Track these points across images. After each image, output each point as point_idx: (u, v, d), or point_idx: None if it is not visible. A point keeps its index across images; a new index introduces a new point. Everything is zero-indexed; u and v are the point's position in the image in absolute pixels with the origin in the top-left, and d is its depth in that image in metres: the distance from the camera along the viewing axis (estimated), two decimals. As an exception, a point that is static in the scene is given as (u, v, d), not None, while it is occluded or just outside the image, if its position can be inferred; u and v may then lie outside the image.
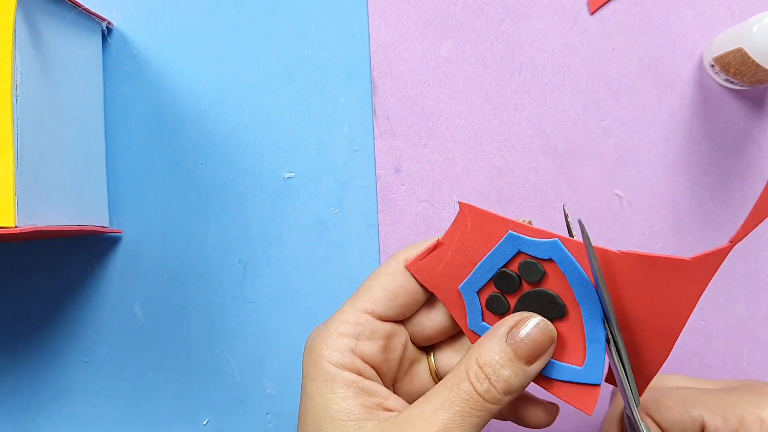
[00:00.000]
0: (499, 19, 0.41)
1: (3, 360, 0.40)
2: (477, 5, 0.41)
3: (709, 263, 0.25)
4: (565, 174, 0.41)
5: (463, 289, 0.30)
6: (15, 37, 0.29)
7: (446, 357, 0.31)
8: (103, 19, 0.39)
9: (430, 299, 0.31)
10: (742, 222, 0.41)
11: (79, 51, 0.36)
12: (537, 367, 0.27)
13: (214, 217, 0.40)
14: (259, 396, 0.40)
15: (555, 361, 0.29)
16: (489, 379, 0.26)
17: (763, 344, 0.41)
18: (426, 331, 0.30)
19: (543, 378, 0.29)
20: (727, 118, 0.41)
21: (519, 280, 0.29)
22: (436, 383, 0.31)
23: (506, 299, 0.29)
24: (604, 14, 0.41)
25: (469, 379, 0.26)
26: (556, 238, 0.28)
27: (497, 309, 0.29)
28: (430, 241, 0.30)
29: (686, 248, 0.41)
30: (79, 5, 0.36)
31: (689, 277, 0.26)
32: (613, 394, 0.35)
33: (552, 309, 0.28)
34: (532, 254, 0.28)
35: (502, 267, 0.29)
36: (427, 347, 0.32)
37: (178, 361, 0.40)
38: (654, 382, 0.33)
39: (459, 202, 0.29)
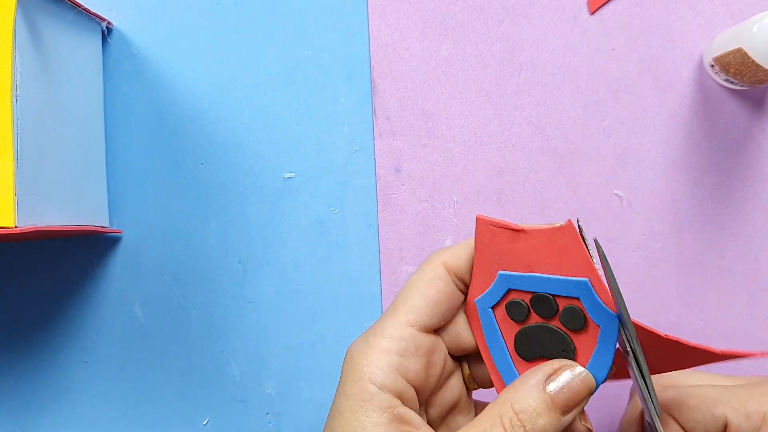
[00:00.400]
0: (499, 19, 0.41)
1: (3, 360, 0.40)
2: (477, 5, 0.41)
3: (730, 356, 0.25)
4: (565, 174, 0.41)
5: (479, 303, 0.29)
6: (15, 37, 0.29)
7: (483, 368, 0.30)
8: (103, 19, 0.39)
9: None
10: (741, 222, 0.42)
11: (79, 51, 0.36)
12: (571, 416, 0.26)
13: (214, 217, 0.40)
14: (259, 396, 0.40)
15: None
16: (524, 427, 0.25)
17: (763, 344, 0.41)
18: (464, 343, 0.29)
19: None
20: (727, 118, 0.41)
21: (528, 311, 0.28)
22: (469, 392, 0.31)
23: (529, 308, 0.28)
24: (604, 14, 0.41)
25: (503, 426, 0.25)
26: (586, 279, 0.26)
27: (517, 315, 0.28)
28: (464, 244, 0.29)
29: (686, 248, 0.41)
30: (79, 5, 0.36)
31: (710, 358, 0.25)
32: (631, 393, 0.35)
33: (560, 347, 0.27)
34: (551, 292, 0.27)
35: (532, 294, 0.27)
36: (460, 356, 0.31)
37: (178, 361, 0.40)
38: (674, 380, 0.33)
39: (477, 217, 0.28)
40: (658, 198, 0.41)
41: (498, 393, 0.29)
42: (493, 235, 0.27)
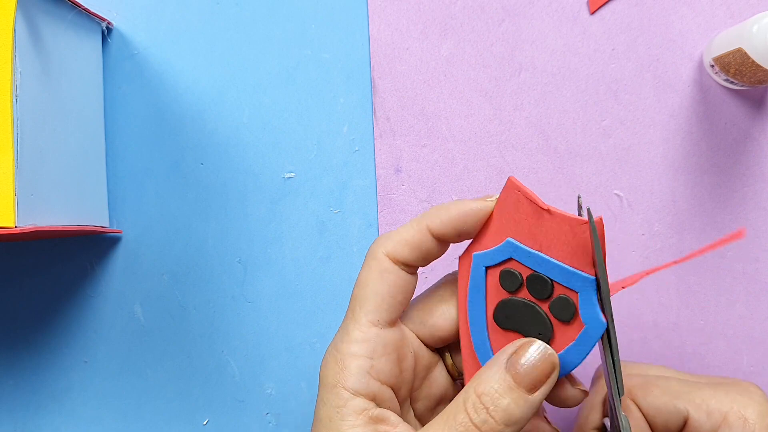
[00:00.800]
0: (499, 19, 0.41)
1: (3, 360, 0.40)
2: (477, 5, 0.41)
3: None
4: (565, 174, 0.41)
5: (475, 256, 0.29)
6: (15, 37, 0.29)
7: None
8: (103, 19, 0.39)
9: (439, 295, 0.30)
10: (741, 222, 0.42)
11: (79, 51, 0.36)
12: (540, 395, 0.25)
13: (214, 217, 0.40)
14: (259, 396, 0.40)
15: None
16: (487, 410, 0.25)
17: (763, 344, 0.41)
18: (439, 332, 0.30)
19: None
20: (727, 118, 0.41)
21: (521, 283, 0.28)
22: (456, 382, 0.31)
23: (522, 277, 0.28)
24: (604, 14, 0.41)
25: (465, 410, 0.25)
26: (595, 278, 0.25)
27: (510, 284, 0.28)
28: (403, 230, 0.28)
29: (686, 248, 0.41)
30: (79, 5, 0.36)
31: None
32: (594, 380, 0.35)
33: (537, 325, 0.27)
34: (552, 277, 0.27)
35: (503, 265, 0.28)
36: (442, 348, 0.31)
37: (178, 361, 0.40)
38: (637, 369, 0.33)
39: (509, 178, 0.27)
40: (658, 198, 0.41)
41: (465, 365, 0.29)
42: (517, 202, 0.27)
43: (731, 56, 0.37)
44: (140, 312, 0.40)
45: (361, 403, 0.27)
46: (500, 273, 0.28)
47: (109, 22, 0.40)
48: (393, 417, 0.27)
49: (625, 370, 0.33)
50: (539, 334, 0.27)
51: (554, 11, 0.41)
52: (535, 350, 0.26)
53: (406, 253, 0.28)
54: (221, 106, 0.40)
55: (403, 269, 0.28)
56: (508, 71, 0.41)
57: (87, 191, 0.37)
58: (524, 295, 0.27)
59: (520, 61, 0.41)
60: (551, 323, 0.27)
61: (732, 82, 0.39)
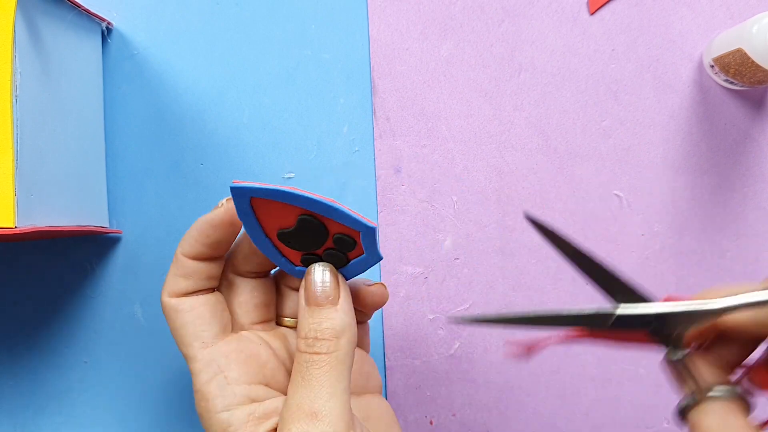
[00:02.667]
0: (498, 20, 0.41)
1: (3, 360, 0.40)
2: (477, 5, 0.41)
3: None
4: (565, 174, 0.41)
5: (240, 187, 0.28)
6: (15, 37, 0.29)
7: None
8: (103, 20, 0.39)
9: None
10: (741, 222, 0.42)
11: (79, 51, 0.36)
12: (343, 300, 0.28)
13: (214, 217, 0.40)
14: (259, 396, 0.40)
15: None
16: (315, 338, 0.27)
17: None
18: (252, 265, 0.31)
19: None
20: (727, 118, 0.41)
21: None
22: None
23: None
24: (604, 14, 0.41)
25: (309, 352, 0.27)
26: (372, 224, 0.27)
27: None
28: (171, 268, 0.30)
29: (686, 248, 0.41)
30: (78, 5, 0.36)
31: None
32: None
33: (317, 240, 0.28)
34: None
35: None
36: None
37: (178, 361, 0.40)
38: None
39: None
40: (658, 198, 0.41)
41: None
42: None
43: (731, 56, 0.37)
44: (140, 312, 0.40)
45: (240, 414, 0.27)
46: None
47: (109, 22, 0.40)
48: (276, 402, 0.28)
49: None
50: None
51: (554, 11, 0.41)
52: (317, 273, 0.28)
53: (182, 286, 0.30)
54: (221, 107, 0.40)
55: (195, 294, 0.30)
56: (508, 71, 0.41)
57: (87, 191, 0.37)
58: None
59: (520, 61, 0.41)
60: (326, 229, 0.28)
61: (732, 83, 0.39)
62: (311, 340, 0.27)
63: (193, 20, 0.41)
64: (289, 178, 0.40)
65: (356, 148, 0.41)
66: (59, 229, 0.32)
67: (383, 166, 0.41)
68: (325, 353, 0.27)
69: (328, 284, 0.28)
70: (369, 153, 0.41)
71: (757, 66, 0.35)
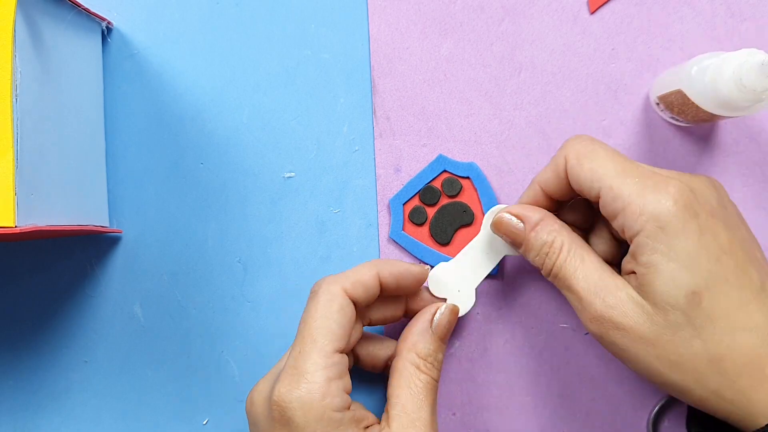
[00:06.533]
0: (498, 19, 0.41)
1: (3, 360, 0.40)
2: (477, 5, 0.41)
3: None
4: (565, 174, 0.41)
5: (392, 201, 0.40)
6: (15, 37, 0.29)
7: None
8: (103, 19, 0.39)
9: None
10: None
11: (79, 51, 0.37)
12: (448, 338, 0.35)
13: (214, 217, 0.40)
14: (259, 396, 0.40)
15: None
16: (434, 366, 0.33)
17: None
18: (377, 361, 0.37)
19: None
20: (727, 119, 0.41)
21: (440, 194, 0.39)
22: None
23: (426, 211, 0.39)
24: (604, 14, 0.41)
25: (420, 370, 0.33)
26: (473, 162, 0.39)
27: (417, 219, 0.39)
28: (357, 272, 0.34)
29: (686, 248, 0.41)
30: (78, 5, 0.36)
31: None
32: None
33: (464, 216, 0.39)
34: (454, 173, 0.39)
35: (429, 182, 0.39)
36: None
37: (178, 361, 0.40)
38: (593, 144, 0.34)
39: None
40: (658, 198, 0.41)
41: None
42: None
43: (673, 96, 0.37)
44: (140, 312, 0.40)
45: (349, 414, 0.31)
46: (424, 191, 0.40)
47: (109, 22, 0.40)
48: (370, 415, 0.33)
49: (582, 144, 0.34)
50: (464, 212, 0.40)
51: (554, 11, 0.41)
52: (446, 310, 0.35)
53: (360, 293, 0.33)
54: (221, 107, 0.40)
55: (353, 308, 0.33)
56: (508, 71, 0.41)
57: (87, 191, 0.37)
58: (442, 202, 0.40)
59: (520, 60, 0.41)
60: (471, 210, 0.39)
61: (678, 120, 0.39)
62: (428, 361, 0.33)
63: (193, 20, 0.41)
64: (289, 177, 0.40)
65: (356, 148, 0.41)
66: (59, 228, 0.32)
67: (383, 166, 0.41)
68: (434, 378, 0.33)
69: (452, 324, 0.35)
70: (369, 152, 0.41)
71: (698, 107, 0.35)
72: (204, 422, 0.40)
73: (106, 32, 0.40)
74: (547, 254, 0.33)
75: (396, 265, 0.34)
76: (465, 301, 0.38)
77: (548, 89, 0.41)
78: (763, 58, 0.32)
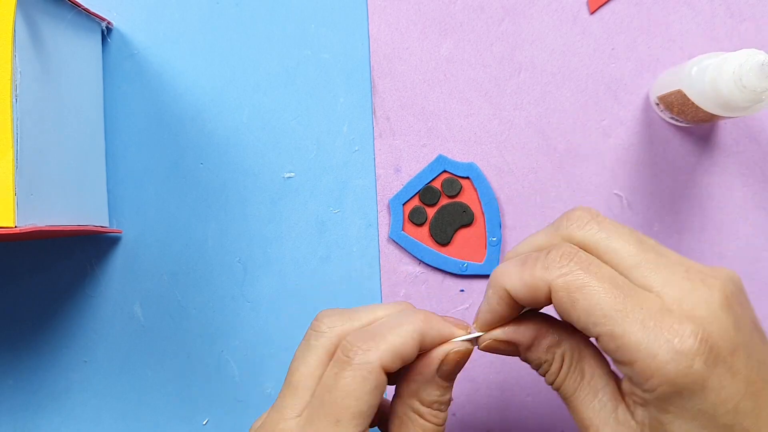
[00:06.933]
0: (498, 19, 0.41)
1: (3, 360, 0.40)
2: (477, 5, 0.41)
3: None
4: (564, 174, 0.41)
5: (392, 202, 0.40)
6: (15, 37, 0.29)
7: None
8: (103, 19, 0.39)
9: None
10: (741, 222, 0.42)
11: (79, 51, 0.36)
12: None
13: (214, 217, 0.40)
14: (259, 396, 0.40)
15: (464, 261, 0.40)
16: (440, 411, 0.29)
17: (763, 344, 0.41)
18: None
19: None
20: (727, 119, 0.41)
21: (440, 194, 0.39)
22: None
23: (426, 211, 0.40)
24: (604, 14, 0.41)
25: (428, 421, 0.28)
26: (473, 162, 0.40)
27: (417, 219, 0.40)
28: (396, 338, 0.28)
29: (686, 248, 0.41)
30: (78, 5, 0.36)
31: None
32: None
33: (464, 217, 0.40)
34: (454, 173, 0.40)
35: (429, 183, 0.40)
36: None
37: (178, 361, 0.40)
38: (594, 235, 0.28)
39: None
40: (658, 198, 0.41)
41: None
42: None
43: (673, 96, 0.37)
44: (140, 312, 0.40)
45: None
46: (423, 191, 0.40)
47: (109, 22, 0.40)
48: None
49: (579, 229, 0.28)
50: (463, 212, 0.40)
51: (554, 11, 0.41)
52: (453, 353, 0.29)
53: (398, 365, 0.27)
54: (221, 107, 0.40)
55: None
56: (508, 71, 0.41)
57: (87, 191, 0.37)
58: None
59: (520, 60, 0.41)
60: (471, 210, 0.40)
61: (677, 120, 0.39)
62: (433, 408, 0.29)
63: (193, 20, 0.41)
64: (289, 177, 0.40)
65: (356, 148, 0.41)
66: (59, 228, 0.32)
67: (383, 166, 0.41)
68: (439, 425, 0.29)
69: (459, 366, 0.29)
70: (369, 152, 0.41)
71: (698, 107, 0.35)
72: (204, 422, 0.40)
73: (106, 32, 0.40)
74: (546, 372, 0.29)
75: (441, 329, 0.29)
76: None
77: (548, 89, 0.41)
78: (763, 59, 0.32)
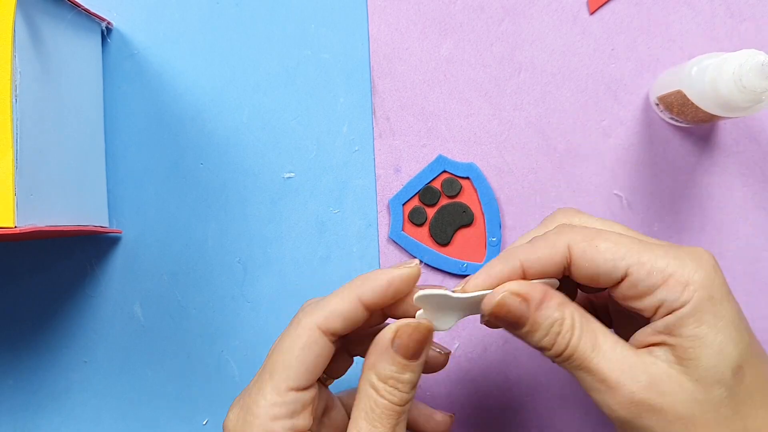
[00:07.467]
0: (498, 19, 0.41)
1: (3, 360, 0.40)
2: (477, 5, 0.41)
3: None
4: (564, 174, 0.41)
5: (392, 202, 0.40)
6: (15, 37, 0.29)
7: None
8: (103, 19, 0.39)
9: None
10: (741, 222, 0.42)
11: (79, 51, 0.37)
12: (424, 356, 0.29)
13: (214, 217, 0.40)
14: (259, 396, 0.40)
15: (464, 261, 0.40)
16: (397, 389, 0.29)
17: (763, 344, 0.41)
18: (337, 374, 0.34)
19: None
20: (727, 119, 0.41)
21: (440, 195, 0.39)
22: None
23: (426, 212, 0.40)
24: (604, 14, 0.41)
25: (382, 396, 0.29)
26: (473, 162, 0.40)
27: (417, 219, 0.40)
28: (336, 300, 0.30)
29: (686, 248, 0.41)
30: (78, 5, 0.36)
31: None
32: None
33: (464, 217, 0.40)
34: (454, 173, 0.40)
35: (428, 183, 0.40)
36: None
37: (178, 361, 0.40)
38: (582, 220, 0.31)
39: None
40: (658, 198, 0.41)
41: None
42: None
43: (672, 97, 0.37)
44: (140, 312, 0.40)
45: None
46: (423, 191, 0.40)
47: (109, 22, 0.40)
48: None
49: (570, 219, 0.31)
50: (463, 212, 0.40)
51: (554, 11, 0.41)
52: (410, 327, 0.29)
53: (337, 325, 0.29)
54: (221, 107, 0.40)
55: (329, 339, 0.30)
56: (508, 71, 0.41)
57: (87, 191, 0.37)
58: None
59: (520, 60, 0.41)
60: (471, 210, 0.40)
61: (677, 120, 0.39)
62: (389, 384, 0.29)
63: (193, 20, 0.41)
64: (289, 177, 0.40)
65: (356, 148, 0.41)
66: (59, 229, 0.32)
67: (383, 166, 0.41)
68: (395, 404, 0.29)
69: (420, 342, 0.29)
70: (369, 152, 0.41)
71: (698, 107, 0.35)
72: (204, 422, 0.40)
73: (106, 32, 0.40)
74: (558, 333, 0.28)
75: (377, 279, 0.30)
76: (442, 321, 0.30)
77: (548, 89, 0.41)
78: (763, 59, 0.32)
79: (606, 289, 0.29)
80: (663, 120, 0.41)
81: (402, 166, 0.41)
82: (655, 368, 0.27)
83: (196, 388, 0.40)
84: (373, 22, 0.41)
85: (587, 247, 0.28)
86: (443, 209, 0.40)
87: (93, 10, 0.38)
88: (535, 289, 0.29)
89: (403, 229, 0.40)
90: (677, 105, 0.37)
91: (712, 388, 0.27)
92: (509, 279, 0.29)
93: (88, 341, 0.40)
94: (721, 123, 0.41)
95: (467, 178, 0.40)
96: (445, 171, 0.40)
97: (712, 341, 0.27)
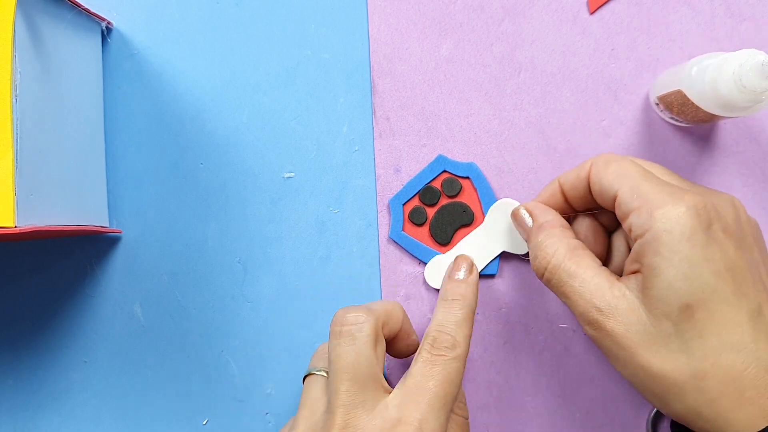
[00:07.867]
0: (498, 19, 0.41)
1: (3, 360, 0.40)
2: (477, 5, 0.41)
3: None
4: (564, 174, 0.41)
5: (392, 202, 0.40)
6: (15, 37, 0.30)
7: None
8: (103, 19, 0.39)
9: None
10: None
11: (79, 51, 0.37)
12: (476, 275, 0.35)
13: (214, 217, 0.40)
14: (259, 396, 0.40)
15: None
16: (450, 342, 0.32)
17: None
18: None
19: None
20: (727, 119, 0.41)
21: (440, 194, 0.40)
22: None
23: (426, 211, 0.40)
24: (604, 14, 0.41)
25: (437, 347, 0.31)
26: (473, 162, 0.40)
27: (417, 219, 0.40)
28: (381, 305, 0.34)
29: (686, 248, 0.41)
30: (78, 5, 0.36)
31: None
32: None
33: (464, 217, 0.40)
34: (454, 173, 0.40)
35: (429, 183, 0.40)
36: None
37: (178, 361, 0.40)
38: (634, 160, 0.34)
39: None
40: (658, 198, 0.41)
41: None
42: None
43: (672, 96, 0.37)
44: (140, 312, 0.40)
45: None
46: (423, 191, 0.40)
47: (109, 22, 0.40)
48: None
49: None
50: (463, 212, 0.40)
51: (554, 11, 0.41)
52: (454, 268, 0.36)
53: (388, 324, 0.34)
54: (221, 107, 0.40)
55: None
56: (508, 71, 0.41)
57: (87, 191, 0.37)
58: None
59: (520, 60, 0.41)
60: (471, 210, 0.40)
61: (677, 120, 0.39)
62: (444, 332, 0.32)
63: (193, 20, 0.41)
64: (289, 177, 0.40)
65: (356, 148, 0.41)
66: (59, 228, 0.32)
67: (383, 166, 0.41)
68: (447, 356, 0.31)
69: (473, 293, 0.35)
70: (369, 152, 0.41)
71: (698, 107, 0.35)
72: (204, 422, 0.40)
73: (106, 32, 0.40)
74: (540, 256, 0.33)
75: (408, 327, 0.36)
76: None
77: (548, 89, 0.41)
78: (763, 59, 0.32)
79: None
80: (663, 120, 0.41)
81: (402, 166, 0.41)
82: (618, 300, 0.30)
83: (196, 388, 0.40)
84: (373, 22, 0.41)
85: (601, 167, 0.32)
86: (443, 209, 0.40)
87: (93, 10, 0.38)
88: (544, 212, 0.35)
89: (403, 229, 0.40)
90: (677, 105, 0.37)
91: (660, 321, 0.29)
92: (550, 195, 0.36)
93: (88, 341, 0.40)
94: (721, 123, 0.41)
95: (467, 177, 0.40)
96: (445, 171, 0.40)
97: (664, 274, 0.28)
